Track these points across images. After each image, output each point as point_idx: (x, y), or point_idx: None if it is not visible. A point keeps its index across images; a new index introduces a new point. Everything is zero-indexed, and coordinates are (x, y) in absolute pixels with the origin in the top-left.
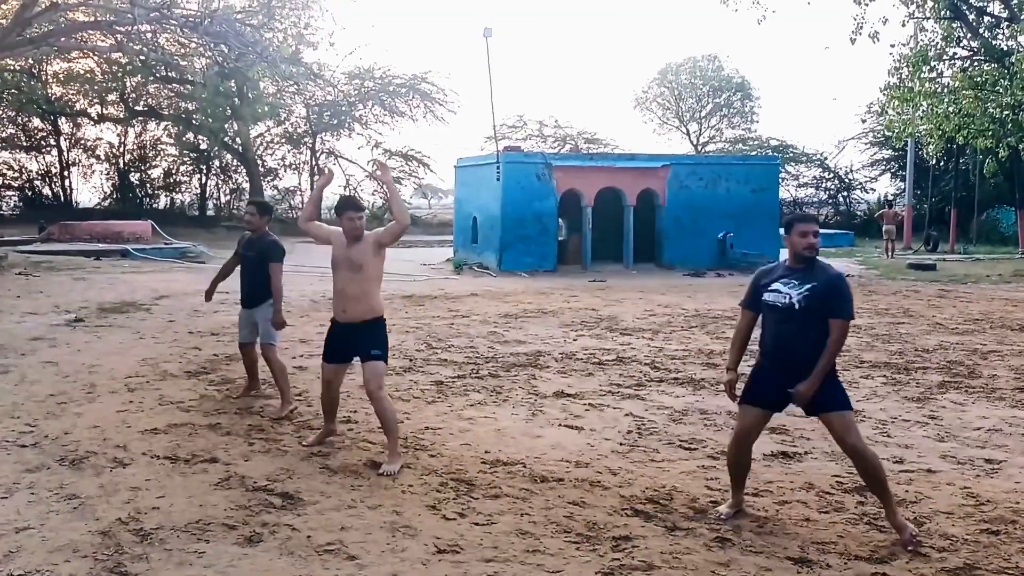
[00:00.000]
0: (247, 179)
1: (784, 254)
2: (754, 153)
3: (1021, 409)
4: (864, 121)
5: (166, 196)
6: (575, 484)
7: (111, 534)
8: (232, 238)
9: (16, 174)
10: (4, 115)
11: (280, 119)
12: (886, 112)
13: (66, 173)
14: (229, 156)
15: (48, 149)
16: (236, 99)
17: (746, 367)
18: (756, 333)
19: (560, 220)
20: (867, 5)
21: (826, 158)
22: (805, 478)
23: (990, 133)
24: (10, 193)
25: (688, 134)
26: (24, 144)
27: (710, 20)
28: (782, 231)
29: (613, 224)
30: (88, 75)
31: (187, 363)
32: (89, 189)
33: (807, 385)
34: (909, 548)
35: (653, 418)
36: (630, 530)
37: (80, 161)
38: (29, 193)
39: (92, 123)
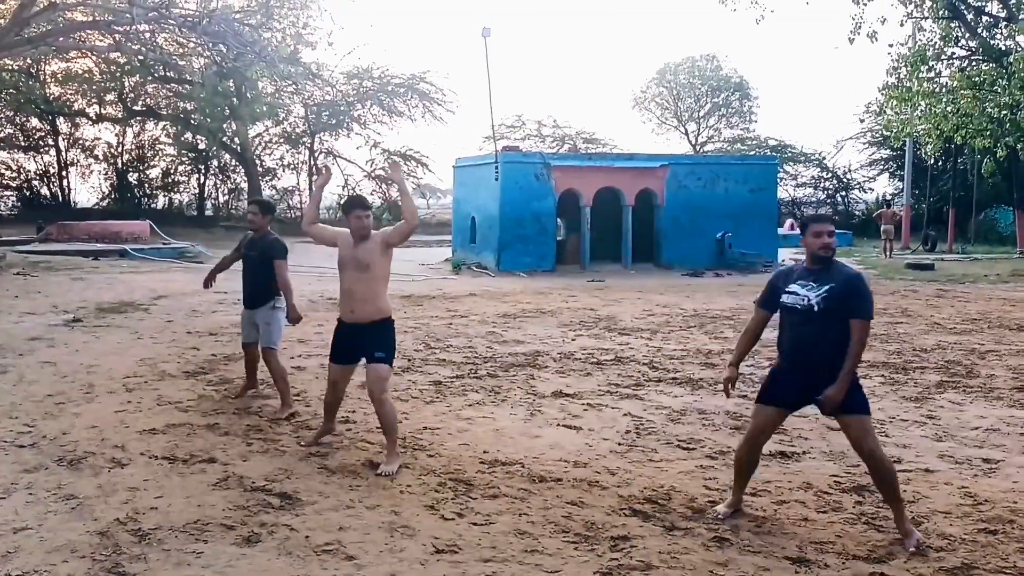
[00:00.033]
0: (245, 179)
1: (782, 254)
2: (752, 153)
3: (1019, 409)
4: (862, 121)
5: (164, 196)
6: (573, 484)
7: (109, 534)
8: (230, 238)
9: (14, 174)
10: (2, 115)
11: (278, 119)
12: (884, 112)
13: (64, 173)
14: (227, 156)
15: (46, 149)
16: (234, 99)
17: (744, 367)
18: (771, 334)
19: (558, 220)
20: (866, 5)
21: (824, 158)
22: (803, 478)
23: (988, 133)
24: (8, 193)
25: (687, 134)
26: (22, 144)
27: (708, 20)
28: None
29: (611, 224)
30: (86, 75)
31: (185, 363)
32: (87, 189)
33: (835, 389)
34: (912, 551)
35: (651, 418)
36: (628, 530)
37: (78, 161)
38: (27, 193)
39: (90, 123)
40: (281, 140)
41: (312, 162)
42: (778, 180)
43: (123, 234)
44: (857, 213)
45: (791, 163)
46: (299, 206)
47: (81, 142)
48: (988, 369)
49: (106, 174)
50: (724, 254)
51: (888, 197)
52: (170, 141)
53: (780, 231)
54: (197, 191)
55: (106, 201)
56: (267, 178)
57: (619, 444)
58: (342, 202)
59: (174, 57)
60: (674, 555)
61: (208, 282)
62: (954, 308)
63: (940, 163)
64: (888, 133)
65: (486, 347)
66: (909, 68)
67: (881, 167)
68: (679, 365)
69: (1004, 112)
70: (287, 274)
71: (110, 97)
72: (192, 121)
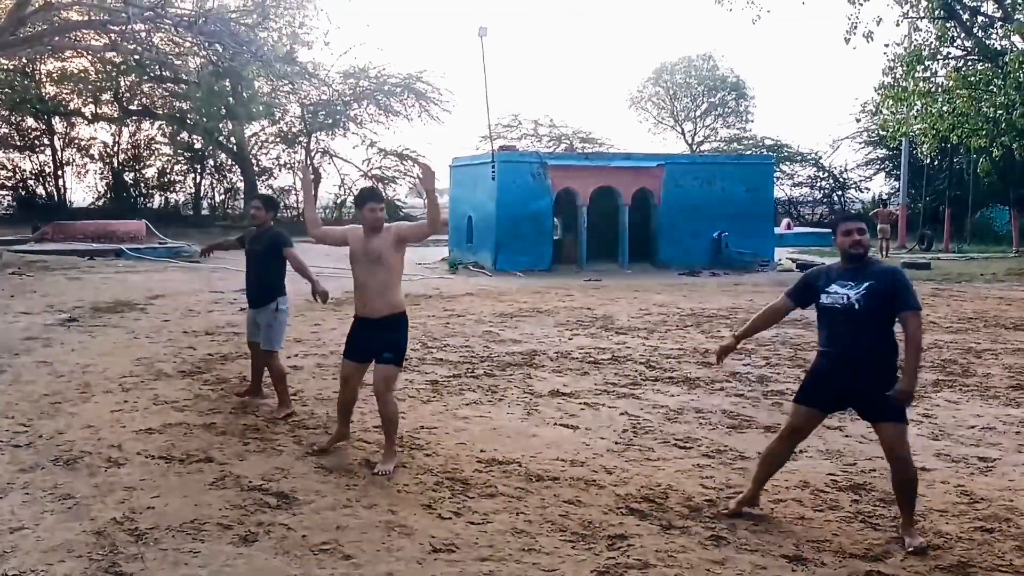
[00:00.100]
0: (242, 179)
1: (779, 253)
2: (749, 152)
3: (1015, 407)
4: (859, 120)
5: (160, 196)
6: (570, 483)
7: (106, 534)
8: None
9: (10, 174)
10: None
11: (275, 118)
12: (880, 111)
13: (60, 173)
14: (224, 156)
15: (42, 149)
16: (231, 98)
17: (741, 366)
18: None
19: (555, 219)
20: (861, 5)
21: (821, 157)
22: (800, 476)
23: (984, 132)
24: (4, 193)
25: (683, 133)
26: (18, 144)
27: (705, 20)
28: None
29: (608, 223)
30: (82, 74)
31: (182, 363)
32: (83, 189)
33: (907, 383)
34: (910, 550)
35: (648, 417)
36: (625, 529)
37: (74, 160)
38: (23, 193)
39: (86, 122)
40: (277, 140)
41: (308, 161)
42: (774, 180)
43: (119, 234)
44: (853, 212)
45: (787, 162)
46: (295, 205)
47: (77, 142)
48: (984, 368)
49: (102, 174)
50: (721, 253)
51: (884, 196)
52: (166, 141)
53: (776, 230)
54: (193, 191)
55: (102, 201)
56: (263, 178)
57: (616, 443)
58: (355, 196)
59: (170, 56)
60: (671, 554)
61: (207, 252)
62: (950, 307)
63: (936, 163)
64: (884, 133)
65: (483, 346)
66: (905, 68)
67: (877, 167)
68: (676, 364)
69: (1000, 112)
70: (300, 257)
71: (106, 97)
72: (188, 121)
